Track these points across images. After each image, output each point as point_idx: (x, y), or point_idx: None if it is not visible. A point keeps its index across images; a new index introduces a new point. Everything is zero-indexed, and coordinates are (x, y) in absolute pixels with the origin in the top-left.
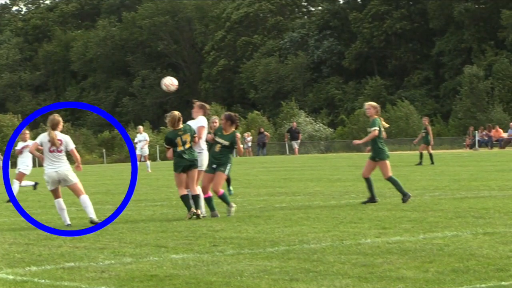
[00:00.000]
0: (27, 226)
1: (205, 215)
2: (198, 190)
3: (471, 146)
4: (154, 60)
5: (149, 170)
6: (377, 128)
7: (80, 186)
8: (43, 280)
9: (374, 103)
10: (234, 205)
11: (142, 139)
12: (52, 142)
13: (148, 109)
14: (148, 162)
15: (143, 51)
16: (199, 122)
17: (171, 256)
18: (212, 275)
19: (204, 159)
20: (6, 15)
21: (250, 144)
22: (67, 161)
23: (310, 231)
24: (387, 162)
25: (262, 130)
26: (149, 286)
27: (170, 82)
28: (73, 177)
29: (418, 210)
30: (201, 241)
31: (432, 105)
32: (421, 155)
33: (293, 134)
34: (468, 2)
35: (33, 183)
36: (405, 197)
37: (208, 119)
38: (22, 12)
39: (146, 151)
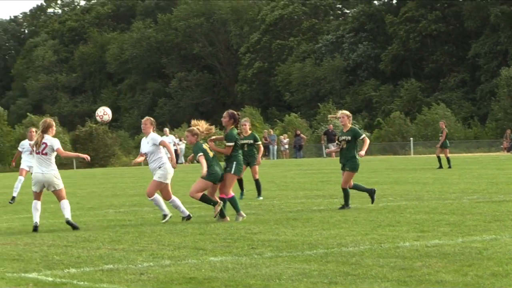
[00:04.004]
0: (65, 228)
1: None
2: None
3: (509, 149)
4: (189, 62)
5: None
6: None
7: (63, 192)
8: (82, 282)
9: (347, 112)
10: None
11: (170, 141)
12: (37, 144)
13: (184, 110)
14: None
15: (179, 53)
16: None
17: (210, 259)
18: (250, 278)
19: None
20: (42, 16)
21: (287, 146)
22: (55, 165)
23: (348, 234)
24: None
25: (298, 132)
26: None
27: (102, 113)
28: (59, 184)
29: (457, 213)
30: (239, 243)
31: (469, 107)
32: (439, 159)
33: (330, 137)
34: (504, 5)
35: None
36: (346, 207)
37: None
38: (58, 14)
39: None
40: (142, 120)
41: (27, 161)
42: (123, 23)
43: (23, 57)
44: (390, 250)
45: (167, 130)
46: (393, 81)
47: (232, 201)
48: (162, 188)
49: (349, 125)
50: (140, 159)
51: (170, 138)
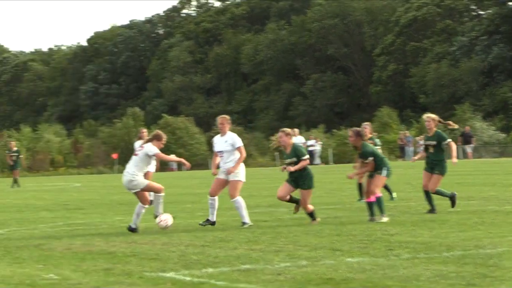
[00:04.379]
0: (203, 228)
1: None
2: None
3: None
4: (323, 63)
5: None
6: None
7: (141, 196)
8: (219, 282)
9: (433, 115)
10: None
11: (300, 142)
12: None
13: (319, 111)
14: None
15: (312, 54)
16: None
17: (347, 260)
18: (388, 279)
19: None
20: (176, 18)
21: (422, 148)
22: (138, 169)
23: (486, 236)
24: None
25: None
26: None
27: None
28: (135, 186)
29: None
30: (376, 245)
31: None
32: None
33: (466, 138)
34: None
35: None
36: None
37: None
38: (192, 16)
39: None
40: (219, 118)
41: None
42: (257, 24)
43: (158, 58)
44: None
45: (296, 131)
46: None
47: (379, 201)
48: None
49: (434, 129)
50: (217, 160)
51: (299, 139)
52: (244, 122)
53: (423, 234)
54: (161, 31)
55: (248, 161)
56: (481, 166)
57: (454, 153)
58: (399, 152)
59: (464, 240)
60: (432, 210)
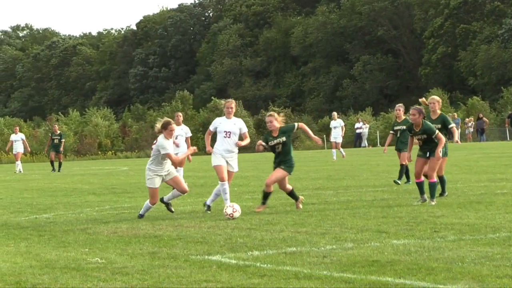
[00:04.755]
0: (248, 211)
1: None
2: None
3: None
4: (373, 46)
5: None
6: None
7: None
8: (265, 265)
9: (437, 97)
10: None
11: (337, 125)
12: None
13: (367, 93)
14: (334, 150)
15: (362, 37)
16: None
17: (392, 242)
18: (433, 261)
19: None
20: (226, 1)
21: (471, 129)
22: (151, 161)
23: None
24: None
25: (481, 116)
26: (370, 271)
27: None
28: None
29: None
30: (422, 227)
31: None
32: None
33: None
34: None
35: None
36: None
37: None
38: None
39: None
40: (228, 103)
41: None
42: (308, 7)
43: (208, 41)
44: None
45: (335, 114)
46: None
47: (434, 185)
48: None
49: (439, 112)
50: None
51: (338, 123)
52: (292, 105)
53: (469, 216)
54: (210, 14)
55: (296, 144)
56: None
57: (457, 136)
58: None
59: (510, 222)
60: (443, 193)
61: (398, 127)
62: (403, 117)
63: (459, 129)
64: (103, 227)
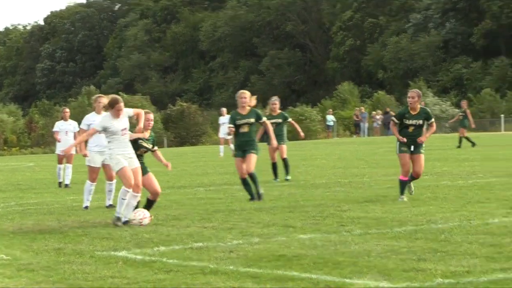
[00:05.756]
0: (156, 206)
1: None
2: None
3: None
4: (281, 40)
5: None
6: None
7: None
8: (171, 260)
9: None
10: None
11: (225, 121)
12: None
13: (276, 88)
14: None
15: (271, 31)
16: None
17: (299, 236)
18: (339, 255)
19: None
20: None
21: (380, 122)
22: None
23: (438, 211)
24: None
25: (388, 110)
26: (276, 266)
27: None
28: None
29: None
30: (328, 221)
31: None
32: (460, 139)
33: None
34: None
35: None
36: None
37: None
38: None
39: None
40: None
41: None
42: (216, 1)
43: (115, 37)
44: (479, 226)
45: (224, 110)
46: (485, 57)
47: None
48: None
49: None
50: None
51: (226, 119)
52: (199, 100)
53: (375, 210)
54: (118, 9)
55: (203, 139)
56: (435, 142)
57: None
58: (354, 128)
59: (416, 215)
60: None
61: (273, 121)
62: (278, 111)
63: (367, 123)
64: (8, 223)
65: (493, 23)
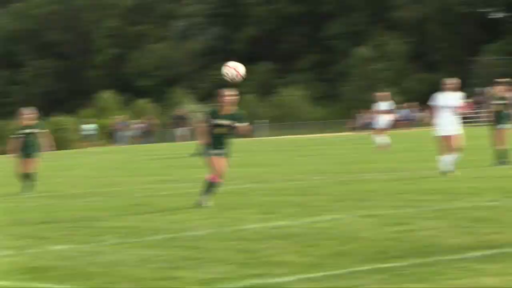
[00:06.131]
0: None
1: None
2: None
3: (359, 128)
4: (45, 49)
5: None
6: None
7: None
8: None
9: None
10: None
11: None
12: None
13: (36, 98)
14: None
15: (34, 40)
16: None
17: (52, 248)
18: (92, 266)
19: None
20: None
21: (138, 131)
22: None
23: (193, 219)
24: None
25: (148, 117)
26: (31, 278)
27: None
28: None
29: (302, 194)
30: (82, 231)
31: (321, 88)
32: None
33: (178, 121)
34: None
35: None
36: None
37: None
38: None
39: None
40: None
41: None
42: None
43: None
44: (234, 233)
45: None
46: (249, 63)
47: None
48: None
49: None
50: None
51: None
52: None
53: (130, 219)
54: None
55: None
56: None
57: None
58: (112, 136)
59: (172, 223)
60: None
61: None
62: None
63: (127, 132)
64: None
65: (256, 28)
